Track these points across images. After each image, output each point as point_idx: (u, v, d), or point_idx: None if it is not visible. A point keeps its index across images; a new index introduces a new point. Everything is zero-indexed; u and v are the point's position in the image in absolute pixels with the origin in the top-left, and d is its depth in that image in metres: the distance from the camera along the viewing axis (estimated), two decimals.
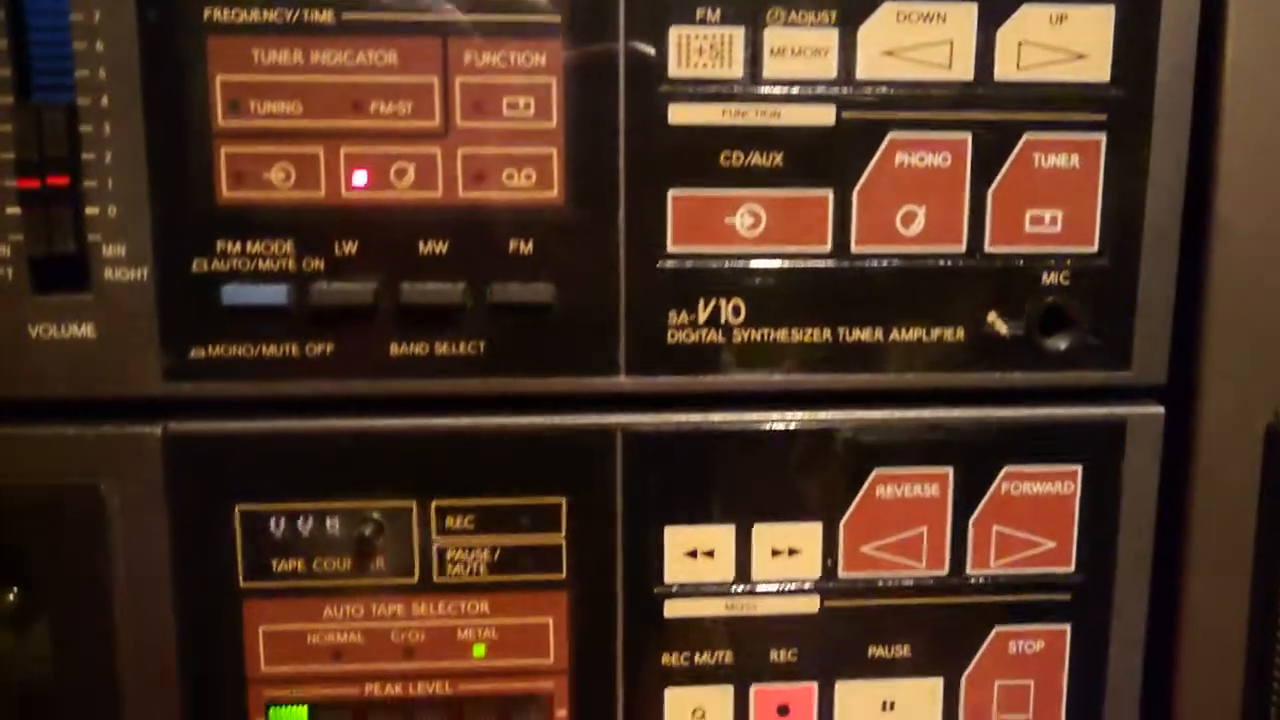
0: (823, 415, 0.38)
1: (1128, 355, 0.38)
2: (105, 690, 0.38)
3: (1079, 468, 0.39)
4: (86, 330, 0.35)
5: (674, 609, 0.39)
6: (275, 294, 0.35)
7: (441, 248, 0.36)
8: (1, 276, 0.35)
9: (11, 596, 0.37)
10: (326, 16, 0.35)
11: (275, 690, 0.39)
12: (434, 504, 0.38)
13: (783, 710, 0.40)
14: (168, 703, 0.38)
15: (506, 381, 0.37)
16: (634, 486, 0.38)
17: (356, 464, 0.37)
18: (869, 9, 0.36)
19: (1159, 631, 0.40)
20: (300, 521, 0.38)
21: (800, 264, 0.37)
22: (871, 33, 0.36)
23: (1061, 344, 0.38)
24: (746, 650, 0.39)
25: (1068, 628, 0.40)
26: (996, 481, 0.39)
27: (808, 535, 0.39)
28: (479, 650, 0.39)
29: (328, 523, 0.38)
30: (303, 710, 0.39)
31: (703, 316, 0.37)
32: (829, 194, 0.37)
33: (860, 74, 0.36)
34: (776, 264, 0.37)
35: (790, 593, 0.39)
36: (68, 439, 0.36)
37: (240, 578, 0.38)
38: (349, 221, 0.36)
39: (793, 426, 0.38)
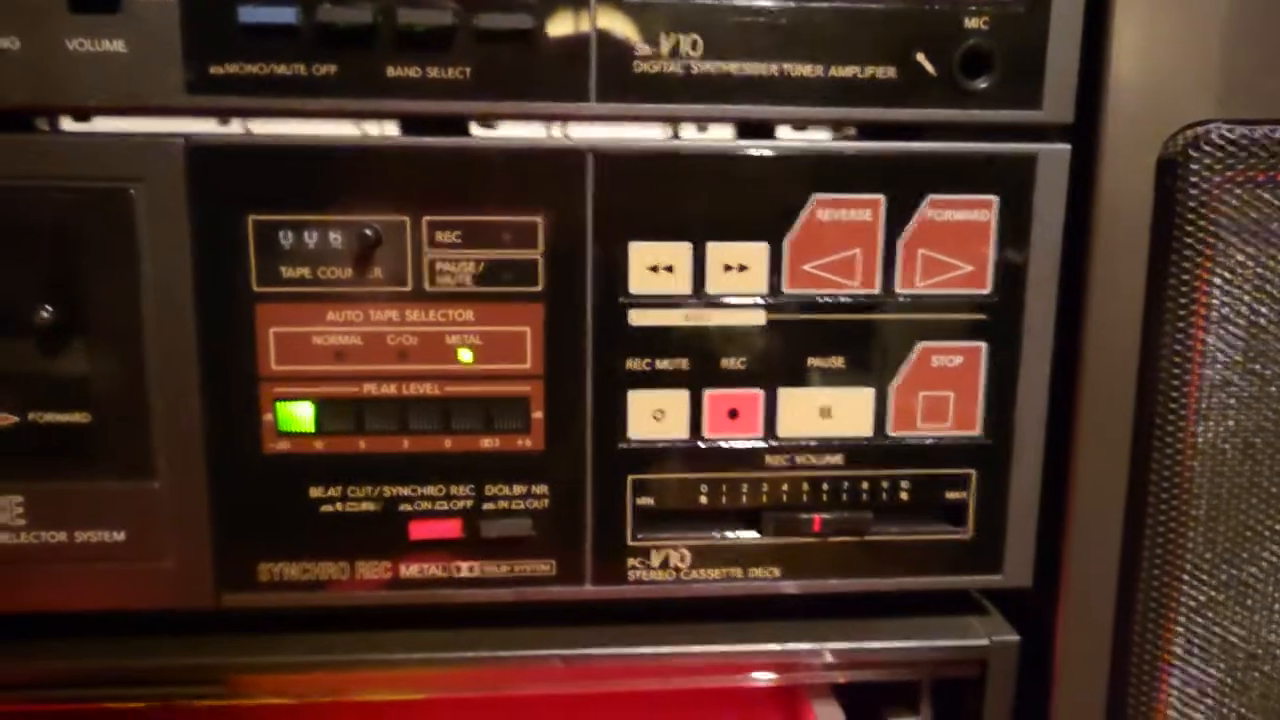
0: (769, 143, 0.43)
1: (1039, 96, 0.43)
2: (133, 383, 0.43)
3: (995, 198, 0.44)
4: (118, 45, 0.40)
5: (637, 318, 0.44)
6: (286, 14, 0.40)
7: None
8: None
9: (34, 308, 0.42)
10: None
11: (283, 387, 0.43)
12: (425, 219, 0.43)
13: (732, 413, 0.45)
14: (189, 397, 0.43)
15: (490, 105, 0.42)
16: (602, 204, 0.43)
17: (357, 179, 0.42)
18: None
19: (1064, 347, 0.45)
20: (306, 231, 0.42)
21: (752, 3, 0.42)
22: None
23: (982, 84, 0.43)
24: (701, 357, 0.44)
25: (984, 345, 0.45)
26: (922, 208, 0.44)
27: (755, 254, 0.44)
28: (465, 355, 0.44)
29: (330, 234, 0.42)
30: (308, 405, 0.44)
31: (665, 49, 0.42)
32: None
33: None
34: (731, 2, 0.42)
35: (740, 306, 0.44)
36: (101, 144, 0.41)
37: (253, 282, 0.43)
38: None
39: (743, 153, 0.43)
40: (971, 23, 0.42)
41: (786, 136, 0.44)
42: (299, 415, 0.44)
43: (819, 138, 0.44)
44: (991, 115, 0.43)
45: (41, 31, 0.40)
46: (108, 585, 0.44)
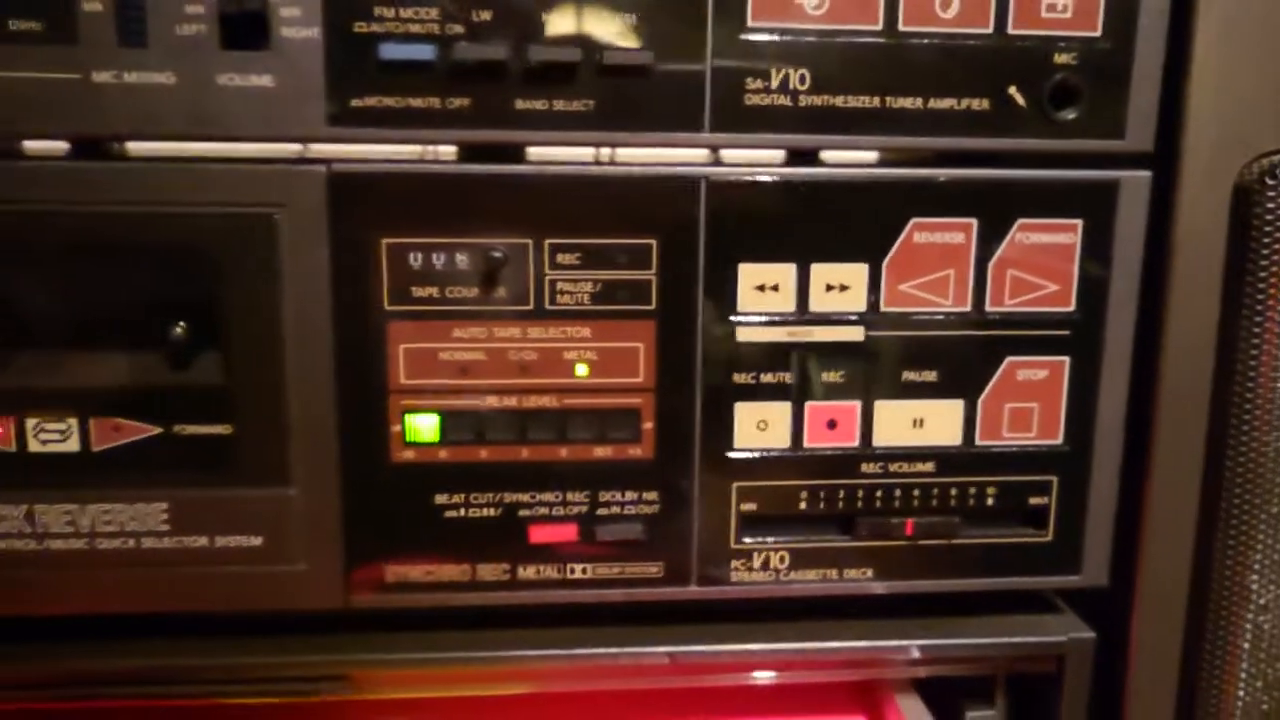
0: (871, 171, 0.46)
1: (1122, 126, 0.46)
2: (272, 397, 0.45)
3: (1080, 222, 0.47)
4: (265, 81, 0.42)
5: (744, 335, 0.47)
6: (424, 51, 0.42)
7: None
8: (197, 33, 0.42)
9: (181, 325, 0.44)
10: None
11: (411, 400, 0.46)
12: (547, 242, 0.45)
13: (831, 424, 0.48)
14: (324, 409, 0.45)
15: (611, 135, 0.44)
16: (714, 229, 0.46)
17: (484, 204, 0.45)
18: None
19: (1143, 361, 0.48)
20: (435, 254, 0.45)
21: (856, 40, 0.44)
22: None
23: (1069, 115, 0.46)
24: (803, 372, 0.47)
25: (1067, 359, 0.48)
26: (1011, 232, 0.47)
27: (856, 274, 0.47)
28: (581, 370, 0.46)
29: (458, 255, 0.45)
30: (434, 417, 0.46)
31: (775, 83, 0.44)
32: None
33: None
34: (836, 39, 0.44)
35: (840, 323, 0.47)
36: (248, 174, 0.43)
37: (385, 301, 0.45)
38: None
39: (845, 179, 0.46)
40: (1061, 58, 0.45)
41: (886, 164, 0.46)
42: (425, 426, 0.46)
43: (917, 165, 0.46)
44: (1077, 144, 0.46)
45: (195, 66, 0.42)
46: (244, 587, 0.46)
